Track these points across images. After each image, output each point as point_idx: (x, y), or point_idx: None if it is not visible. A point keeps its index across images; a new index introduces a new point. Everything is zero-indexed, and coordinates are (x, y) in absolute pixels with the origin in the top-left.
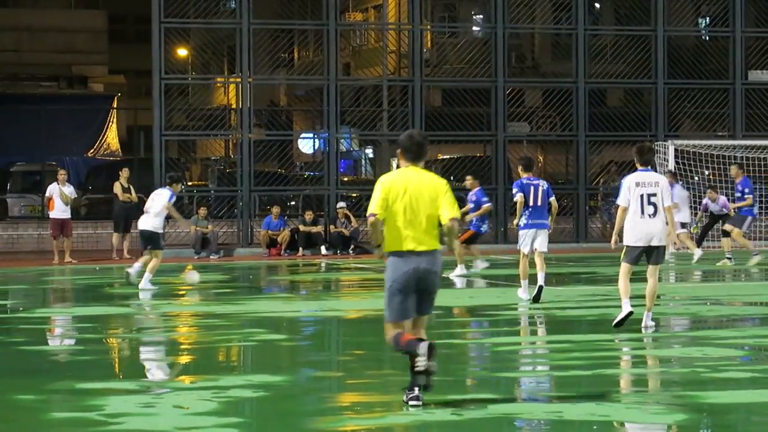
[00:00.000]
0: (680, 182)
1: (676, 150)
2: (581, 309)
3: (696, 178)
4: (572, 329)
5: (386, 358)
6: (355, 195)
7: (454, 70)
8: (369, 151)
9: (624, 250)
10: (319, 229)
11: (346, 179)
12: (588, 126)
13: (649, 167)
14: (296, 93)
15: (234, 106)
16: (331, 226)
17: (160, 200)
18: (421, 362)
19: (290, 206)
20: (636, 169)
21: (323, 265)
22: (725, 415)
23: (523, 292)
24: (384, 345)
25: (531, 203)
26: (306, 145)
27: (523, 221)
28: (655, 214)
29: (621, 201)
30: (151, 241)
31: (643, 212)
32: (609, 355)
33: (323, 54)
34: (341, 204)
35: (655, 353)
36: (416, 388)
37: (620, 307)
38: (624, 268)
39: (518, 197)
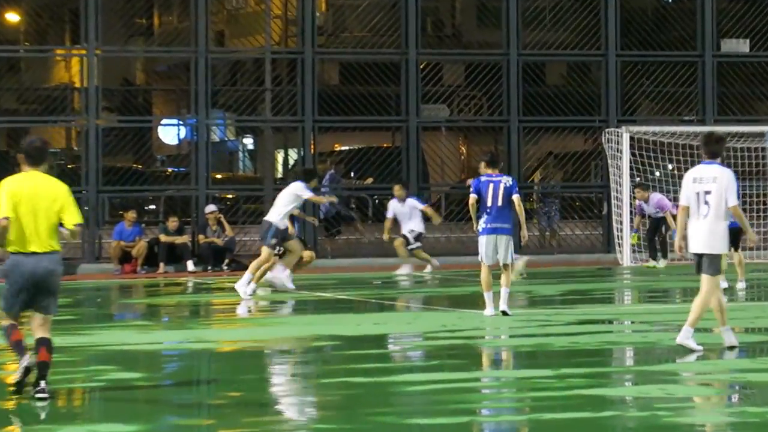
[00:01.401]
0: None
1: (631, 138)
2: (515, 338)
3: (657, 174)
4: (502, 364)
5: (267, 401)
6: (230, 196)
7: (354, 39)
8: (248, 141)
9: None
10: (185, 239)
11: (219, 176)
12: (522, 109)
13: (716, 160)
14: (157, 69)
15: (78, 84)
16: (200, 236)
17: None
18: (24, 365)
19: (149, 211)
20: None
21: (190, 284)
22: None
23: (489, 309)
24: (265, 384)
25: (489, 204)
26: (169, 134)
27: (482, 225)
28: (707, 215)
29: (682, 200)
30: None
31: (698, 213)
32: (548, 396)
33: (190, 20)
34: (212, 207)
35: (605, 393)
36: (41, 382)
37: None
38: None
39: (471, 198)
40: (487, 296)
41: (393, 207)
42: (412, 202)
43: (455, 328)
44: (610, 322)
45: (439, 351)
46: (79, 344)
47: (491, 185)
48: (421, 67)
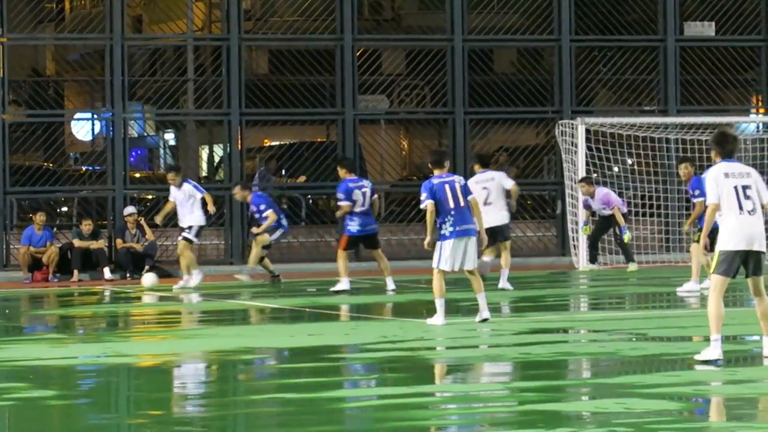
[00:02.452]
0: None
1: (587, 131)
2: (463, 349)
3: (615, 169)
4: (449, 377)
5: (191, 420)
6: (150, 197)
7: (285, 24)
8: (169, 137)
9: (716, 259)
10: (101, 244)
11: (138, 175)
12: (468, 100)
13: (735, 158)
14: (69, 58)
15: None
16: (118, 240)
17: None
18: None
19: (61, 213)
20: (713, 164)
21: (107, 293)
22: None
23: (440, 317)
24: (189, 402)
25: (451, 205)
26: (82, 129)
27: (448, 230)
28: (754, 210)
29: (711, 198)
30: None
31: (741, 208)
32: (499, 411)
33: (104, 4)
34: (130, 209)
35: (560, 408)
36: None
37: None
38: (718, 283)
39: (428, 204)
40: (440, 303)
41: (172, 193)
42: (188, 187)
43: (397, 339)
44: (565, 331)
45: (381, 363)
46: None
47: (447, 186)
48: (358, 54)
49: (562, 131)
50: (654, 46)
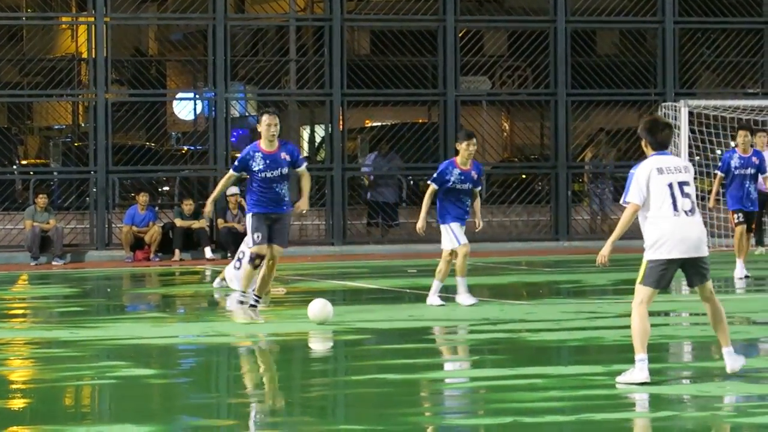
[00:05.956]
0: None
1: (691, 113)
2: (562, 332)
3: (718, 152)
4: (550, 359)
5: (290, 399)
6: None
7: (387, 5)
8: None
9: (644, 268)
10: (203, 224)
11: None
12: (570, 82)
13: (668, 150)
14: (171, 38)
15: (85, 55)
16: (220, 220)
17: None
18: None
19: (163, 193)
20: (644, 157)
21: (208, 273)
22: None
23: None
24: (289, 382)
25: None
26: (184, 108)
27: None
28: (692, 210)
29: (633, 197)
30: None
31: (677, 208)
32: (599, 395)
33: None
34: (233, 189)
35: (661, 391)
36: None
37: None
38: (646, 296)
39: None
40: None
41: None
42: None
43: (498, 320)
44: (667, 314)
45: (482, 345)
46: (88, 338)
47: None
48: (460, 35)
49: (665, 113)
50: (758, 28)
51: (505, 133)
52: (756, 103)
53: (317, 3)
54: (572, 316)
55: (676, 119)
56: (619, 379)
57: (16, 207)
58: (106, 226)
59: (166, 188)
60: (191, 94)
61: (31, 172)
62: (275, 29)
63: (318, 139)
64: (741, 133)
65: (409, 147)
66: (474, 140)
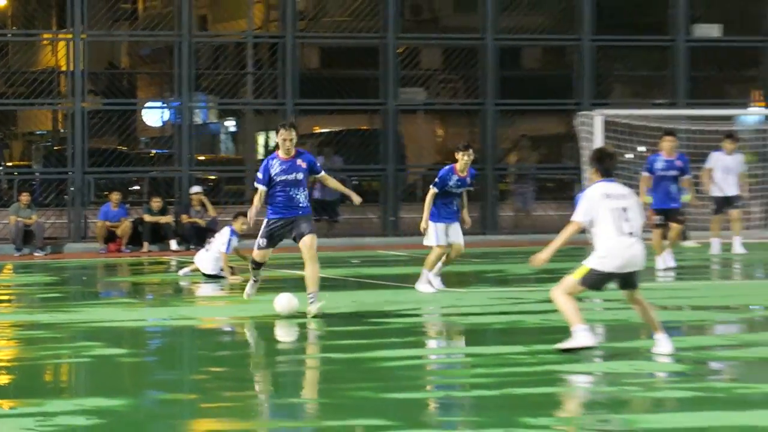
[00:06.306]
0: None
1: (604, 122)
2: (488, 316)
3: (629, 156)
4: (477, 340)
5: (247, 377)
6: (213, 177)
7: (335, 24)
8: (230, 124)
9: (585, 272)
10: (169, 219)
11: (201, 158)
12: (498, 93)
13: (613, 177)
14: (141, 52)
15: (64, 68)
16: (184, 216)
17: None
18: None
19: (133, 192)
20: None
21: (173, 263)
22: None
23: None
24: (246, 360)
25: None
26: (152, 116)
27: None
28: (633, 233)
29: (580, 216)
30: None
31: (620, 230)
32: (521, 371)
33: (174, 4)
34: (196, 188)
35: (576, 368)
36: None
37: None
38: (575, 290)
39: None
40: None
41: None
42: None
43: (431, 305)
44: (581, 300)
45: (416, 328)
46: (66, 321)
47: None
48: (400, 51)
49: (581, 121)
50: (665, 45)
51: (439, 139)
52: (663, 112)
53: (272, 22)
54: (497, 302)
55: (590, 126)
56: (560, 346)
57: (2, 204)
58: (83, 221)
59: (136, 187)
60: (159, 103)
61: (16, 173)
62: (234, 45)
63: (272, 144)
64: (668, 138)
65: (353, 151)
66: (470, 151)
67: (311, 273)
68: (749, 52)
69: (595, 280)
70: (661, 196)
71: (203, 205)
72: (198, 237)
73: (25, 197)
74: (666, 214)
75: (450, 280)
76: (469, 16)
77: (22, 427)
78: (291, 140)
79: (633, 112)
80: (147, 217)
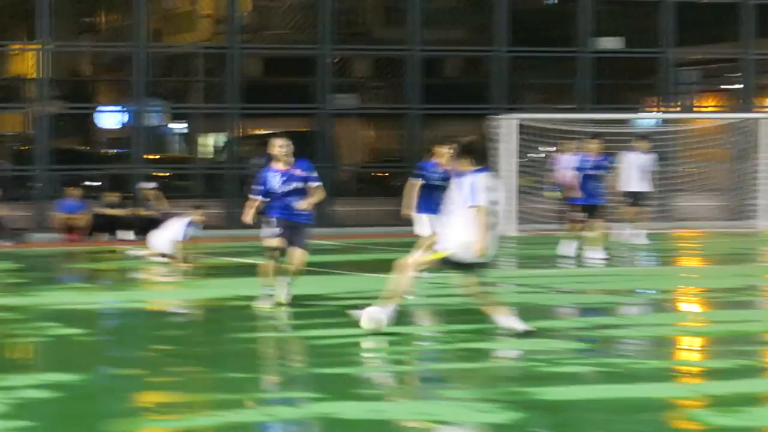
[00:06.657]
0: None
1: (521, 126)
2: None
3: (534, 155)
4: (399, 321)
5: (191, 354)
6: (165, 174)
7: (276, 36)
8: (182, 126)
9: (440, 257)
10: (125, 211)
11: (156, 157)
12: (423, 98)
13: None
14: (102, 62)
15: (32, 76)
16: (140, 209)
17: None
18: None
19: (92, 187)
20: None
21: (128, 252)
22: (562, 413)
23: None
24: (192, 340)
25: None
26: (106, 119)
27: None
28: (495, 223)
29: (483, 200)
30: None
31: (491, 222)
32: (438, 348)
33: (132, 19)
34: (149, 184)
35: (485, 346)
36: None
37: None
38: (426, 266)
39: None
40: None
41: None
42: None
43: (360, 290)
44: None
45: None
46: (29, 304)
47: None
48: (335, 60)
49: (498, 123)
50: (572, 56)
51: (370, 140)
52: (568, 116)
53: (220, 34)
54: (422, 286)
55: (503, 129)
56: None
57: None
58: (47, 213)
59: (97, 183)
60: (118, 107)
61: None
62: (186, 55)
63: (221, 144)
64: (595, 140)
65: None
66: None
67: (295, 270)
68: (647, 62)
69: (452, 265)
70: (588, 193)
71: (157, 198)
72: (151, 228)
73: None
74: (590, 210)
75: (378, 267)
76: (397, 29)
77: None
78: (287, 147)
79: (545, 116)
80: (105, 210)
